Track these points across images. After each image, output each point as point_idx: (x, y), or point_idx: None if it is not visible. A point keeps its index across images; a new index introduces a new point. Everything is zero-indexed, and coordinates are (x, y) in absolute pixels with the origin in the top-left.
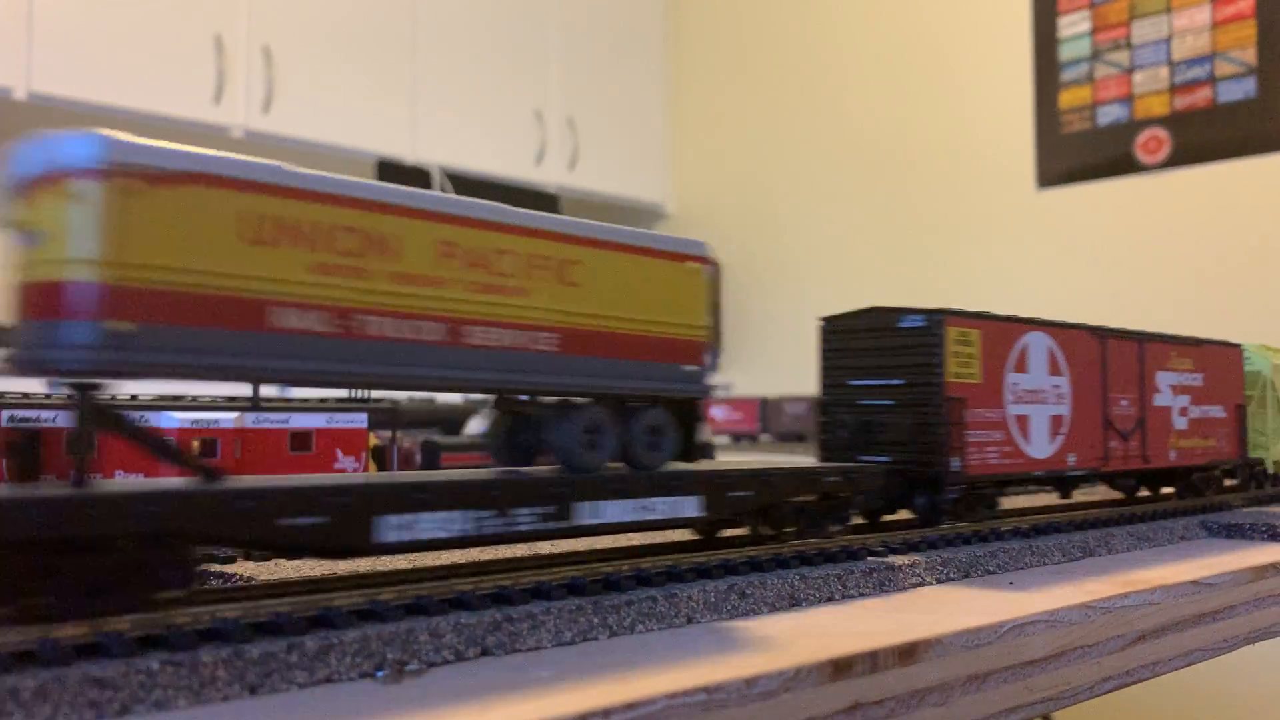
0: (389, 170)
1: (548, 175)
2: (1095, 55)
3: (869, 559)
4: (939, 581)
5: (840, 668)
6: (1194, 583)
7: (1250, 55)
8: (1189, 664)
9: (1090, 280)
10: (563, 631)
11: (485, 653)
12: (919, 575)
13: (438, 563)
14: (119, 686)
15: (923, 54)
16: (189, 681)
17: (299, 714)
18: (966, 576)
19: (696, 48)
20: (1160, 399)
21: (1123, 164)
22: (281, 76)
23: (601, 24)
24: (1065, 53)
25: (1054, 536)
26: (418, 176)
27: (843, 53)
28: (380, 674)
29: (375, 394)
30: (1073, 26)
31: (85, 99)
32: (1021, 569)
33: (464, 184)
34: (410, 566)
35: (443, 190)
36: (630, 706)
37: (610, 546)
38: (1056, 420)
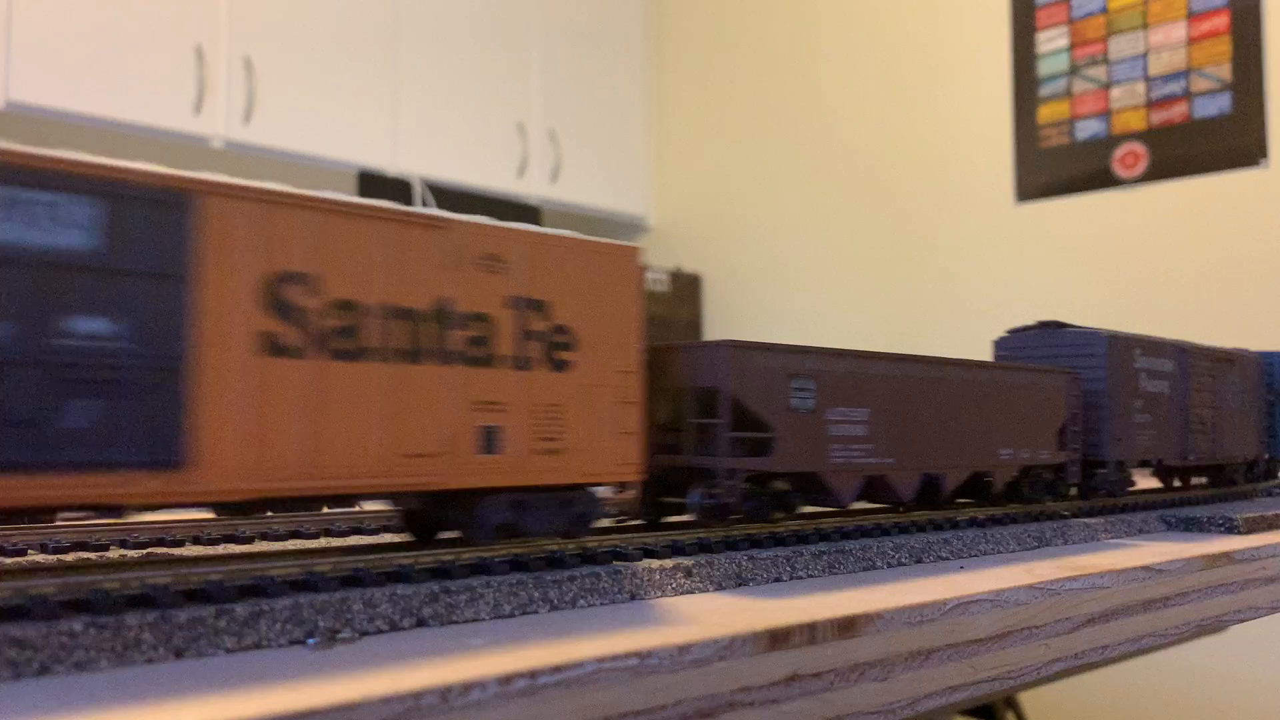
0: (370, 182)
1: (530, 188)
2: (1073, 70)
3: (820, 543)
4: (890, 566)
5: (777, 638)
6: (1144, 568)
7: (1225, 71)
8: (1140, 649)
9: (1069, 292)
10: (502, 605)
11: (421, 623)
12: (869, 559)
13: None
14: (39, 647)
15: (903, 69)
16: (112, 644)
17: (224, 676)
18: (919, 562)
19: (679, 61)
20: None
21: (1101, 178)
22: (262, 87)
23: (584, 37)
24: (1044, 68)
25: (1010, 526)
26: (399, 188)
27: (825, 68)
28: (311, 641)
29: None
30: (1051, 42)
31: (65, 108)
32: (975, 556)
33: (445, 196)
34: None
35: (424, 202)
36: (558, 669)
37: None
38: None
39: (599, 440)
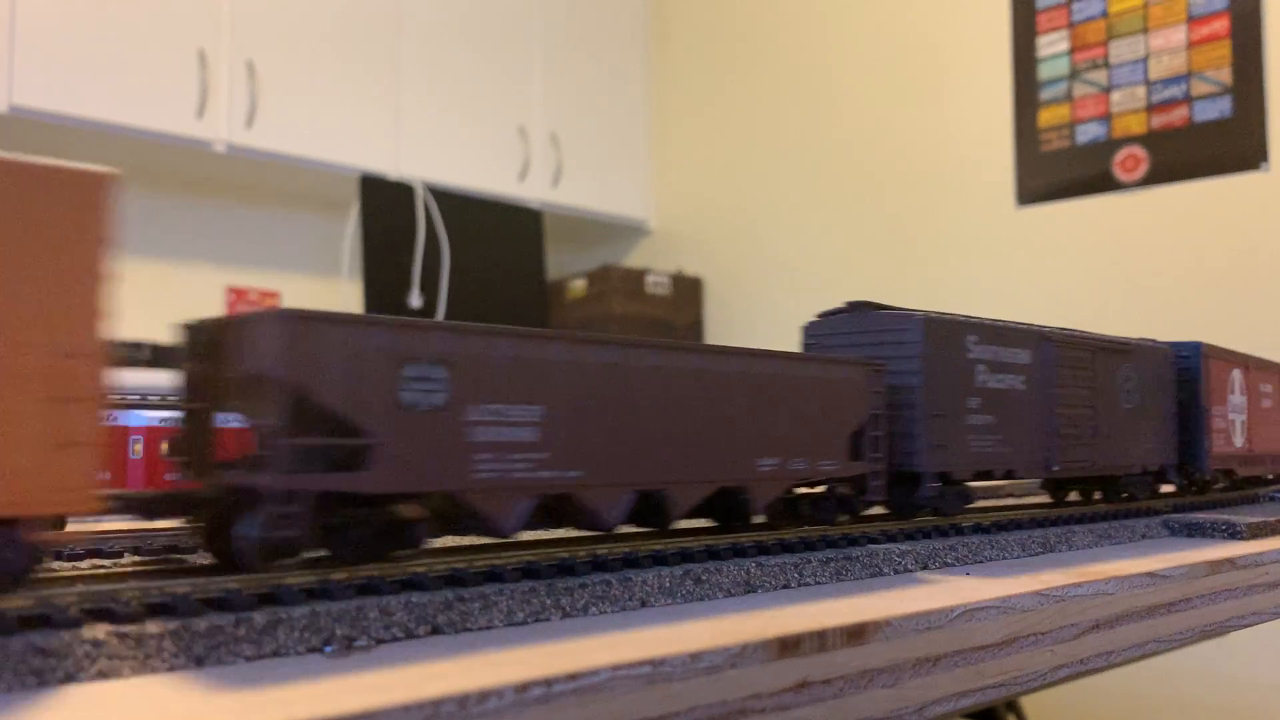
0: (372, 186)
1: (531, 191)
2: (1074, 74)
3: (827, 550)
4: (896, 572)
5: (788, 646)
6: (1148, 574)
7: (1225, 75)
8: (1144, 654)
9: (1069, 295)
10: (515, 612)
11: (435, 631)
12: (876, 565)
13: None
14: (63, 655)
15: (904, 73)
16: (135, 652)
17: (246, 684)
18: (925, 568)
19: (680, 65)
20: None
21: (1101, 182)
22: (264, 91)
23: (585, 41)
24: (1044, 72)
25: (1015, 532)
26: (401, 192)
27: (826, 71)
28: (328, 649)
29: None
30: (1051, 46)
31: (68, 112)
32: (980, 562)
33: (447, 200)
34: None
35: (426, 206)
36: (573, 677)
37: (571, 536)
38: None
39: (7, 455)
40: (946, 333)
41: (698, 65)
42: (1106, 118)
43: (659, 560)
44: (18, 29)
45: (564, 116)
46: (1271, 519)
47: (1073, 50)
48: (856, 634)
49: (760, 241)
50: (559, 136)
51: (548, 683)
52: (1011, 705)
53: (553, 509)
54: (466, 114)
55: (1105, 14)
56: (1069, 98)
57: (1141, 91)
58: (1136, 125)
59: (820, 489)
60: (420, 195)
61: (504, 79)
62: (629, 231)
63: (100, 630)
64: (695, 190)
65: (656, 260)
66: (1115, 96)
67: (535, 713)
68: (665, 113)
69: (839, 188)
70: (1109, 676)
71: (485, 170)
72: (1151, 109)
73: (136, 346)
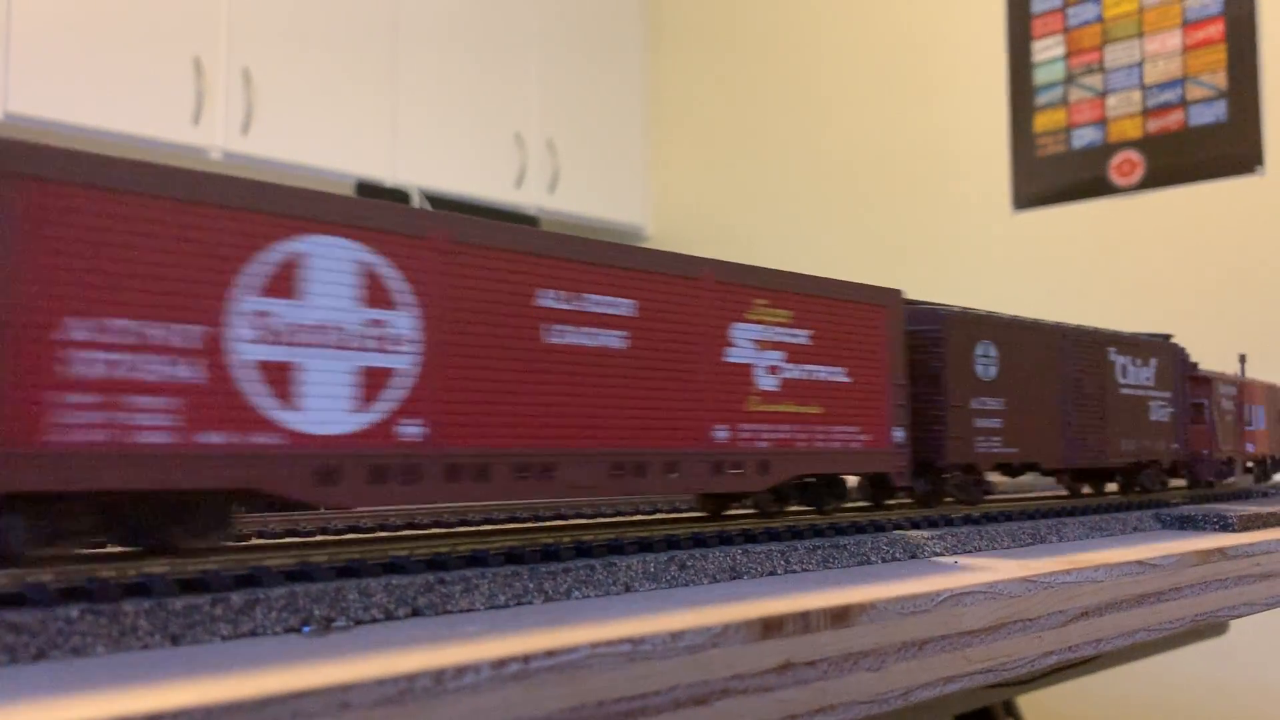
0: (369, 192)
1: (528, 197)
2: (1069, 79)
3: (815, 538)
4: (884, 561)
5: (770, 627)
6: (1138, 563)
7: (1220, 79)
8: (1133, 643)
9: (1066, 300)
10: (497, 595)
11: (416, 613)
12: (864, 554)
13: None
14: (36, 632)
15: (901, 79)
16: (109, 630)
17: (220, 661)
18: (913, 558)
19: (676, 71)
20: None
21: (1097, 186)
22: (260, 98)
23: (582, 47)
24: (1040, 77)
25: (1004, 524)
26: (398, 199)
27: (822, 76)
28: (306, 629)
29: None
30: (1047, 51)
31: (63, 120)
32: (969, 552)
33: (444, 206)
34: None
35: None
36: (551, 654)
37: (555, 525)
38: None
39: None
40: None
41: (694, 71)
42: (1102, 122)
43: (644, 546)
44: (13, 36)
45: (560, 122)
46: (1264, 511)
47: (1068, 55)
48: (840, 616)
49: (757, 247)
50: (555, 142)
51: (525, 659)
52: (1008, 706)
53: None
54: (463, 120)
55: (1100, 19)
56: (1064, 102)
57: (1137, 96)
58: (1132, 129)
59: None
60: (417, 202)
61: (500, 85)
62: (626, 237)
63: (74, 608)
64: (692, 196)
65: None
66: (1111, 101)
67: (512, 690)
68: (662, 118)
69: (835, 193)
70: (1105, 679)
71: (481, 176)
72: (1147, 113)
73: None
